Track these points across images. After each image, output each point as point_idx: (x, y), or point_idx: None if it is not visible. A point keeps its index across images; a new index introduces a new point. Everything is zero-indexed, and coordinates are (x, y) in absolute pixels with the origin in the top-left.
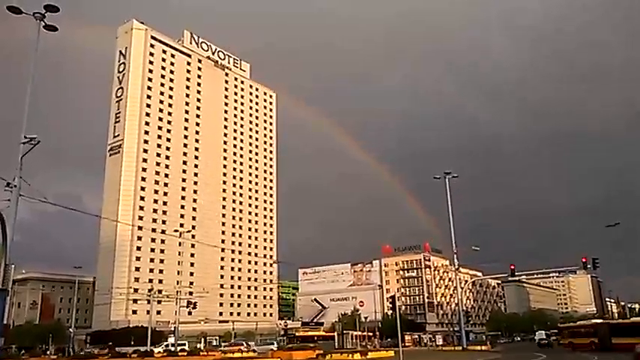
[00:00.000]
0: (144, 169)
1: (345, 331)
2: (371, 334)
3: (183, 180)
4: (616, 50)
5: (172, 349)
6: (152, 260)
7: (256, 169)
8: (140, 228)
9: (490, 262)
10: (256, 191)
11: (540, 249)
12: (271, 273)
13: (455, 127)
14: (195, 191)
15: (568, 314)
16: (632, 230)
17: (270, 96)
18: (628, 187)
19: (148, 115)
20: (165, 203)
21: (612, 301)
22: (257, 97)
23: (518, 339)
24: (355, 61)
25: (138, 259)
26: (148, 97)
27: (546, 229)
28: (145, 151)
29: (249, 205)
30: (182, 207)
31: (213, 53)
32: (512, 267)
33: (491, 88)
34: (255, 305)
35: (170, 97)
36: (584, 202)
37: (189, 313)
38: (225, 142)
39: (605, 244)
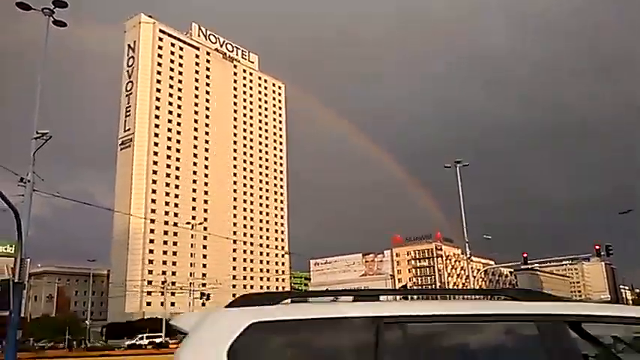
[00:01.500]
0: (155, 163)
1: None
2: None
3: (194, 172)
4: (623, 43)
5: (141, 342)
6: (165, 252)
7: (266, 160)
8: (152, 221)
9: (502, 251)
10: (267, 182)
11: (552, 239)
12: (283, 264)
13: (464, 120)
14: (206, 183)
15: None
16: None
17: (279, 87)
18: (638, 177)
19: (157, 108)
20: (176, 196)
21: (627, 288)
22: (266, 88)
23: None
24: (364, 54)
25: (151, 251)
26: (158, 90)
27: (557, 220)
28: (156, 144)
29: (260, 197)
30: (193, 199)
31: (221, 45)
32: (525, 255)
33: (499, 81)
34: None
35: (179, 89)
36: (594, 193)
37: (203, 304)
38: (234, 134)
39: (618, 233)
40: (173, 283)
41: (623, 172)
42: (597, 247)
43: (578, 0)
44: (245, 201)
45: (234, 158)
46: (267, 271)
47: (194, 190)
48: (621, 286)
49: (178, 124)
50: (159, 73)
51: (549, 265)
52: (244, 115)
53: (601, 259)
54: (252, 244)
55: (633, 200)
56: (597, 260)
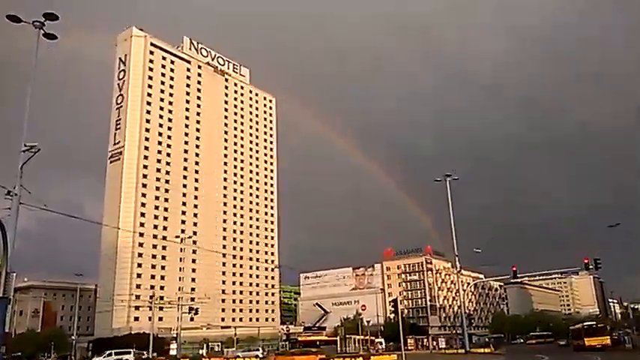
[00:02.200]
0: (144, 176)
1: (347, 336)
2: (374, 337)
3: (184, 186)
4: (619, 49)
5: (115, 357)
6: (154, 267)
7: (257, 173)
8: (141, 234)
9: (492, 264)
10: (257, 196)
11: (542, 251)
12: (273, 278)
13: (455, 129)
14: (195, 197)
15: (571, 315)
16: (634, 231)
17: (270, 100)
18: (629, 187)
19: (148, 121)
20: (166, 209)
21: (615, 301)
22: (257, 102)
23: (521, 340)
24: (355, 62)
25: (139, 265)
26: (148, 103)
27: (548, 232)
28: (146, 157)
29: (250, 210)
30: (183, 213)
31: (212, 59)
32: (515, 268)
33: (495, 88)
34: (257, 310)
35: (170, 103)
36: (585, 204)
37: (191, 319)
38: (225, 148)
39: (607, 245)
40: (161, 298)
41: (619, 185)
42: (586, 261)
43: (580, 2)
44: (235, 214)
45: (225, 172)
46: (257, 285)
47: (184, 204)
48: (610, 300)
49: (169, 137)
50: (150, 86)
51: (538, 279)
52: (235, 128)
53: (589, 273)
54: (241, 257)
55: (623, 214)
56: (586, 274)
